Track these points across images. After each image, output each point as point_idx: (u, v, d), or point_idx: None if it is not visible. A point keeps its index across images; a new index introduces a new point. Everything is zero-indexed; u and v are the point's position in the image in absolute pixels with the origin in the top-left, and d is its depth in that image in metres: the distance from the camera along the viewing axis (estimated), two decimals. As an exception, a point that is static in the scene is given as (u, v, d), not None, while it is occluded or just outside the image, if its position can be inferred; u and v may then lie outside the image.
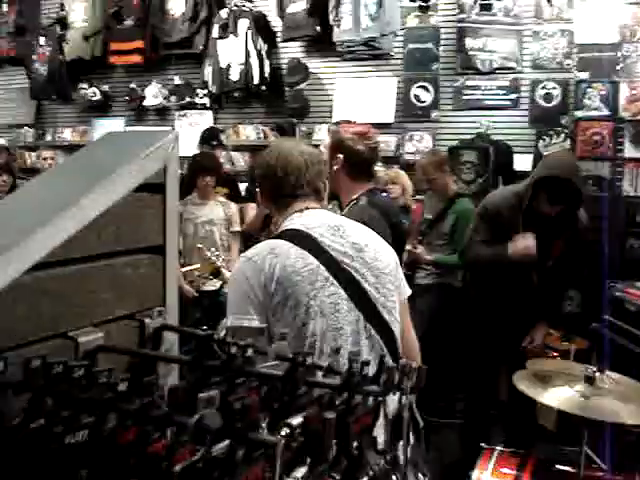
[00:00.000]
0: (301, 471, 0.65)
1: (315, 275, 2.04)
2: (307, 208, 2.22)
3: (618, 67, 5.84)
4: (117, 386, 0.72)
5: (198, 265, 4.13)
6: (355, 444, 0.72)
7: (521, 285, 3.97)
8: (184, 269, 4.56)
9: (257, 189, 2.39)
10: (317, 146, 2.76)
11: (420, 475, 0.84)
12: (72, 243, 0.92)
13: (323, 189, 2.28)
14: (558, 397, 2.82)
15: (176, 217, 1.12)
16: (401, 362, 0.79)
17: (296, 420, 0.66)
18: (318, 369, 0.78)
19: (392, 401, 0.77)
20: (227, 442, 0.63)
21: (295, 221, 2.18)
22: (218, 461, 0.63)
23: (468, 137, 6.05)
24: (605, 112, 5.90)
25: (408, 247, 4.78)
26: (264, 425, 0.70)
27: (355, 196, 3.03)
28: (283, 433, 0.65)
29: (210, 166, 5.29)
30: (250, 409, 0.66)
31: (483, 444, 3.43)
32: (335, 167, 3.02)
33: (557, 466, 3.26)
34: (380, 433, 0.78)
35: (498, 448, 3.36)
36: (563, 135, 6.00)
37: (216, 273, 3.79)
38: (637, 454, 3.78)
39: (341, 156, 3.01)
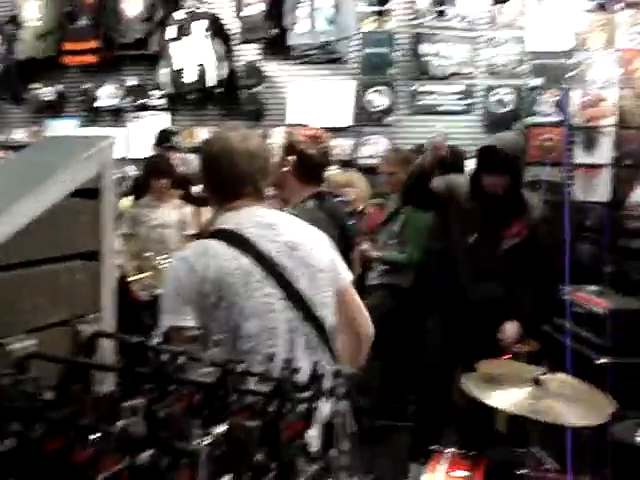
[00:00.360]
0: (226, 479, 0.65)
1: (248, 276, 2.05)
2: (242, 206, 2.20)
3: (571, 74, 5.93)
4: (43, 395, 0.71)
5: (148, 273, 4.08)
6: (286, 451, 0.73)
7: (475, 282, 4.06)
8: (134, 277, 4.51)
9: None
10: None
11: (356, 478, 0.84)
12: (4, 249, 0.90)
13: (264, 186, 2.27)
14: (507, 399, 2.85)
15: (112, 223, 1.11)
16: (334, 368, 0.80)
17: (220, 429, 0.66)
18: (250, 376, 0.78)
19: (325, 407, 0.77)
20: (151, 451, 0.62)
21: (229, 220, 2.18)
22: (142, 470, 0.63)
23: (423, 141, 6.10)
24: (557, 118, 5.99)
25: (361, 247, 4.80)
26: (198, 433, 0.70)
27: (303, 198, 3.05)
28: (206, 442, 0.65)
29: (164, 168, 5.26)
30: (175, 418, 0.66)
31: (434, 446, 3.45)
32: (285, 169, 3.03)
33: (508, 467, 3.29)
34: (315, 439, 0.79)
35: (449, 450, 3.38)
36: (516, 140, 6.08)
37: None
38: (589, 455, 3.85)
39: (292, 158, 3.02)
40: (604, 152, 5.87)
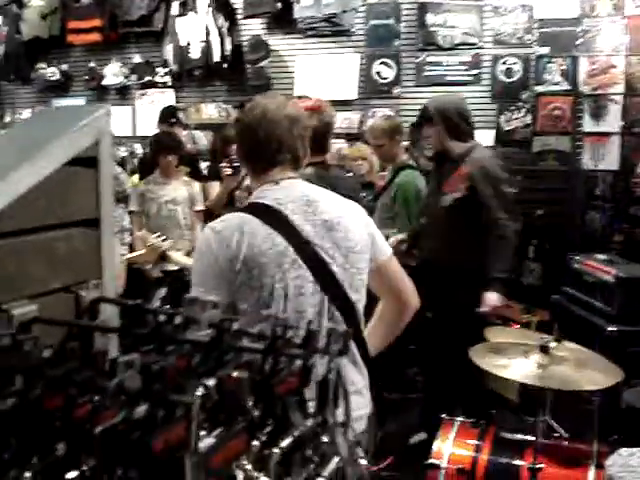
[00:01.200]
0: (219, 430, 0.66)
1: (282, 257, 1.99)
2: (283, 178, 2.13)
3: (578, 42, 5.89)
4: (42, 354, 0.72)
5: (143, 251, 4.08)
6: (280, 406, 0.74)
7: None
8: (129, 255, 4.52)
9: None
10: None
11: (349, 434, 0.86)
12: (2, 217, 0.92)
13: (303, 155, 2.20)
14: (515, 368, 2.87)
15: (111, 190, 1.12)
16: (328, 326, 0.81)
17: (211, 381, 0.67)
18: (245, 335, 0.79)
19: (320, 365, 0.79)
20: (146, 404, 0.64)
21: (268, 194, 2.11)
22: (139, 422, 0.64)
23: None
24: (565, 87, 5.96)
25: None
26: (192, 387, 0.71)
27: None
28: (199, 393, 0.66)
29: (172, 145, 5.26)
30: (169, 372, 0.68)
31: (444, 415, 3.46)
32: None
33: (517, 435, 3.30)
34: (311, 396, 0.80)
35: (459, 419, 3.39)
36: (524, 110, 6.06)
37: (163, 257, 3.72)
38: (597, 422, 3.87)
39: None
40: (613, 120, 5.84)
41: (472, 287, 3.97)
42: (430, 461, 3.15)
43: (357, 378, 2.17)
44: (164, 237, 4.14)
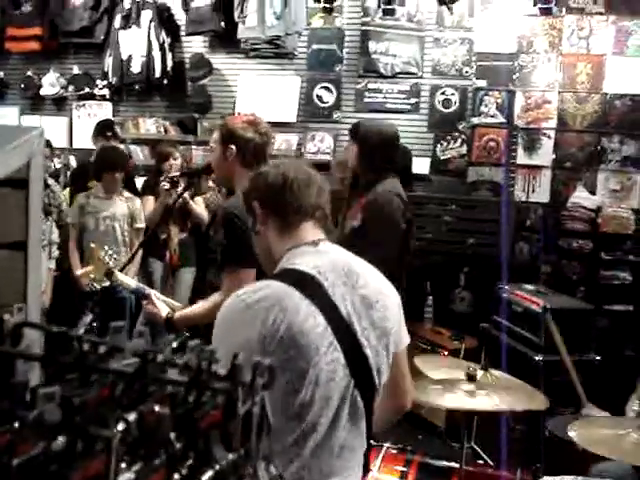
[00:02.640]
0: (139, 465, 0.66)
1: (321, 339, 1.74)
2: (319, 240, 1.91)
3: (514, 76, 6.06)
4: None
5: (91, 267, 4.02)
6: (203, 440, 0.74)
7: None
8: (78, 272, 4.45)
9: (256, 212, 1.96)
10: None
11: (272, 468, 0.86)
12: None
13: (327, 216, 1.99)
14: (441, 395, 2.90)
15: (39, 213, 1.10)
16: (253, 360, 0.81)
17: (132, 415, 0.67)
18: (171, 366, 0.79)
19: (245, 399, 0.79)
20: (65, 437, 0.63)
21: (305, 259, 1.85)
22: (57, 455, 0.63)
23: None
24: (501, 119, 6.11)
25: None
26: (113, 420, 0.70)
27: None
28: (119, 427, 0.66)
29: (119, 161, 5.19)
30: (90, 404, 0.67)
31: (370, 442, 3.47)
32: (229, 159, 3.03)
33: (442, 462, 3.34)
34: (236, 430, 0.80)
35: (385, 445, 3.42)
36: (460, 140, 6.19)
37: (109, 274, 3.65)
38: (521, 450, 3.94)
39: (233, 147, 3.02)
40: (545, 154, 6.02)
41: None
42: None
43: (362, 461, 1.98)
44: (111, 253, 4.06)
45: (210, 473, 0.71)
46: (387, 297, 1.93)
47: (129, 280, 3.58)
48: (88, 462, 0.62)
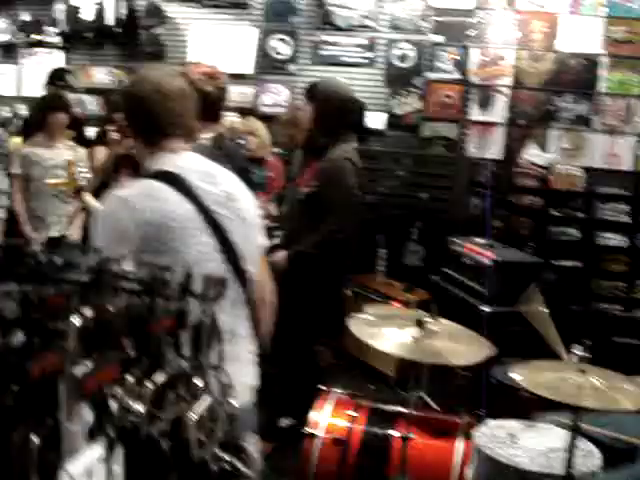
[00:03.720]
0: (93, 358, 0.67)
1: (189, 222, 1.99)
2: (181, 149, 2.13)
3: (470, 33, 6.06)
4: None
5: (64, 180, 3.97)
6: (155, 344, 0.75)
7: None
8: (52, 180, 4.38)
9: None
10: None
11: (223, 376, 0.88)
12: None
13: (195, 128, 2.19)
14: (390, 340, 2.94)
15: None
16: (204, 274, 0.82)
17: (88, 310, 0.68)
18: (125, 279, 0.80)
19: (195, 309, 0.80)
20: (23, 331, 0.64)
21: (169, 162, 2.09)
22: (17, 349, 0.64)
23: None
24: (456, 75, 6.13)
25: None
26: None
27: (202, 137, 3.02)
28: (75, 321, 0.67)
29: (62, 104, 5.08)
30: (47, 301, 0.68)
31: (322, 387, 3.51)
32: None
33: (391, 407, 3.39)
34: (186, 339, 0.81)
35: (336, 391, 3.46)
36: (415, 95, 6.20)
37: (78, 192, 3.61)
38: (468, 396, 4.03)
39: None
40: (499, 111, 6.07)
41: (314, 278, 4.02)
42: (307, 430, 3.20)
43: (252, 348, 2.24)
44: (86, 171, 4.00)
45: (163, 376, 0.73)
46: (245, 193, 2.21)
47: (95, 203, 3.54)
48: (46, 354, 0.63)
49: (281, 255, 4.00)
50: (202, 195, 2.04)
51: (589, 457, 2.68)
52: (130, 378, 0.70)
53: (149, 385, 0.70)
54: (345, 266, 4.23)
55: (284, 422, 4.35)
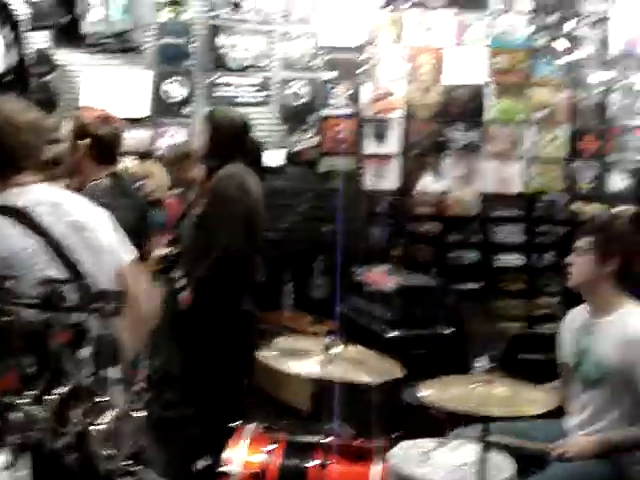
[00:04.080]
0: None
1: (35, 256, 1.99)
2: (28, 182, 2.14)
3: (362, 69, 6.24)
4: None
5: None
6: (55, 357, 0.76)
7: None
8: None
9: None
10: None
11: (127, 392, 0.88)
12: None
13: (49, 161, 2.27)
14: (300, 367, 2.98)
15: None
16: (101, 289, 0.83)
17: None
18: (22, 297, 0.80)
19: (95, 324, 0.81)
20: None
21: (13, 197, 2.10)
22: None
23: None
24: (350, 111, 6.28)
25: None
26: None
27: (98, 178, 3.02)
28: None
29: None
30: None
31: (235, 424, 3.47)
32: (80, 152, 2.99)
33: (308, 437, 3.39)
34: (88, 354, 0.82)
35: (250, 426, 3.43)
36: (312, 132, 6.31)
37: None
38: (383, 420, 4.07)
39: (86, 141, 2.98)
40: (394, 143, 6.25)
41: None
42: (221, 469, 3.17)
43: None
44: None
45: (65, 387, 0.73)
46: (95, 220, 2.24)
47: None
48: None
49: (187, 297, 3.98)
50: (47, 227, 2.05)
51: (501, 468, 2.76)
52: (33, 392, 0.71)
53: (53, 396, 0.70)
54: (245, 283, 4.20)
55: (200, 464, 4.27)
